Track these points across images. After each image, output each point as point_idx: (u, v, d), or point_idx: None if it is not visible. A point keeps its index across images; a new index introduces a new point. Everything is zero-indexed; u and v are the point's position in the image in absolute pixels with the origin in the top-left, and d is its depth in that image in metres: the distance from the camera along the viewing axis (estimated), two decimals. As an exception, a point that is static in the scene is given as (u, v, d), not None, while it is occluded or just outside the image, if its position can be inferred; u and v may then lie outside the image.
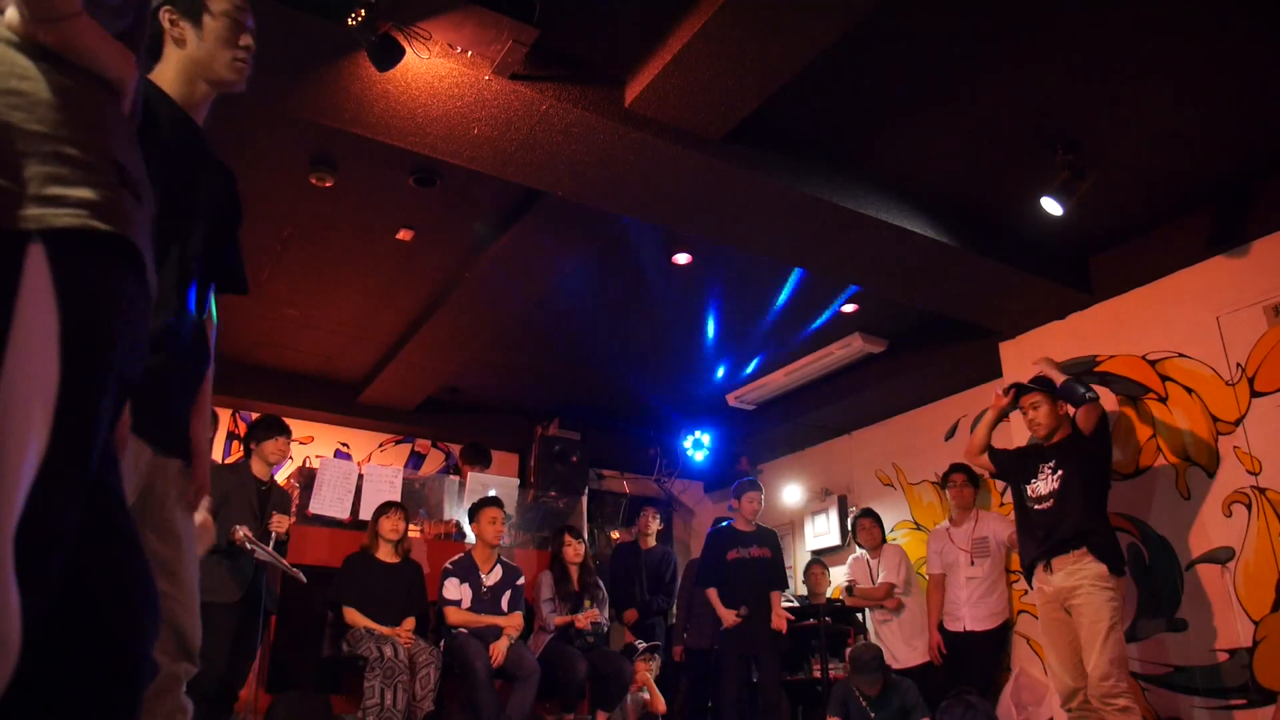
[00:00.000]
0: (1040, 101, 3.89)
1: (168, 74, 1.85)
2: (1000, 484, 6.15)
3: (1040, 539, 4.20)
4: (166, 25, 1.85)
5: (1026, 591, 5.65)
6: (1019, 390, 4.50)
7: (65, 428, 0.90)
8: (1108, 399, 4.83)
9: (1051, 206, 4.18)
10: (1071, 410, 4.38)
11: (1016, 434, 5.04)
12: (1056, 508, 4.17)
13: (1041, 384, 4.44)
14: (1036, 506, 4.28)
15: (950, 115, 4.00)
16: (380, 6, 2.94)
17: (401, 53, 3.12)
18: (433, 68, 3.30)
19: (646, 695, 5.67)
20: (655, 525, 6.76)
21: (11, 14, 0.98)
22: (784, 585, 5.80)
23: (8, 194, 0.90)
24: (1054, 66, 3.68)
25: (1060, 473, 4.23)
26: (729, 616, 5.43)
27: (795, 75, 3.46)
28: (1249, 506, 4.31)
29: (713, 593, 5.56)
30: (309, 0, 2.99)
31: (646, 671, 5.64)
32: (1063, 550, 4.09)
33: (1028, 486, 4.36)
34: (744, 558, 5.61)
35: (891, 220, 4.37)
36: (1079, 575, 4.00)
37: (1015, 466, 4.51)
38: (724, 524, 5.94)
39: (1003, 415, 4.66)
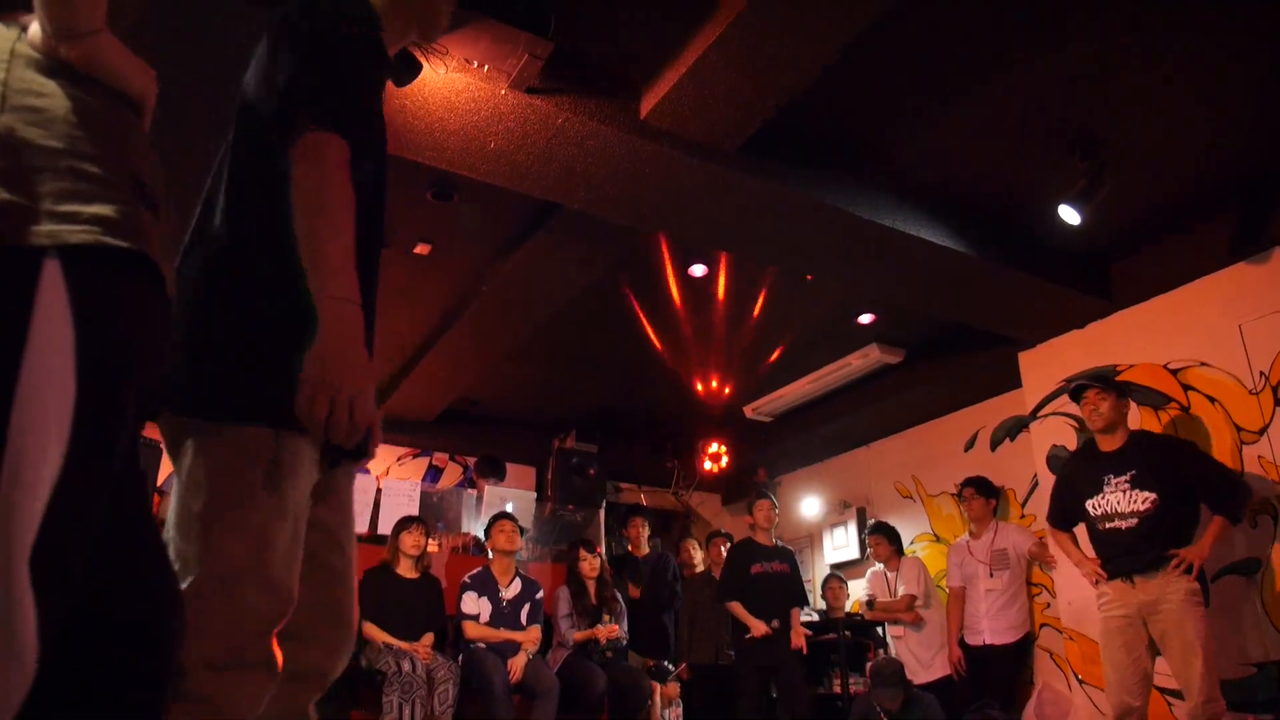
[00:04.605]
0: (1058, 106, 3.87)
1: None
2: (1019, 495, 6.10)
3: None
4: None
5: (1049, 604, 5.60)
6: None
7: (82, 441, 0.91)
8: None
9: (1069, 215, 4.15)
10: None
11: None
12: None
13: None
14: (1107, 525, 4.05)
15: (967, 120, 3.99)
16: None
17: (419, 68, 3.11)
18: (449, 83, 3.32)
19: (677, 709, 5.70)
20: (645, 533, 6.52)
21: (34, 30, 0.98)
22: (804, 601, 5.77)
23: (22, 210, 0.91)
24: (1071, 69, 3.65)
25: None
26: (760, 626, 5.33)
27: (810, 84, 3.46)
28: (1274, 517, 4.25)
29: (736, 606, 5.50)
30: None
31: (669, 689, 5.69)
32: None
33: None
34: (768, 571, 5.57)
35: (909, 229, 4.35)
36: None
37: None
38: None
39: None
